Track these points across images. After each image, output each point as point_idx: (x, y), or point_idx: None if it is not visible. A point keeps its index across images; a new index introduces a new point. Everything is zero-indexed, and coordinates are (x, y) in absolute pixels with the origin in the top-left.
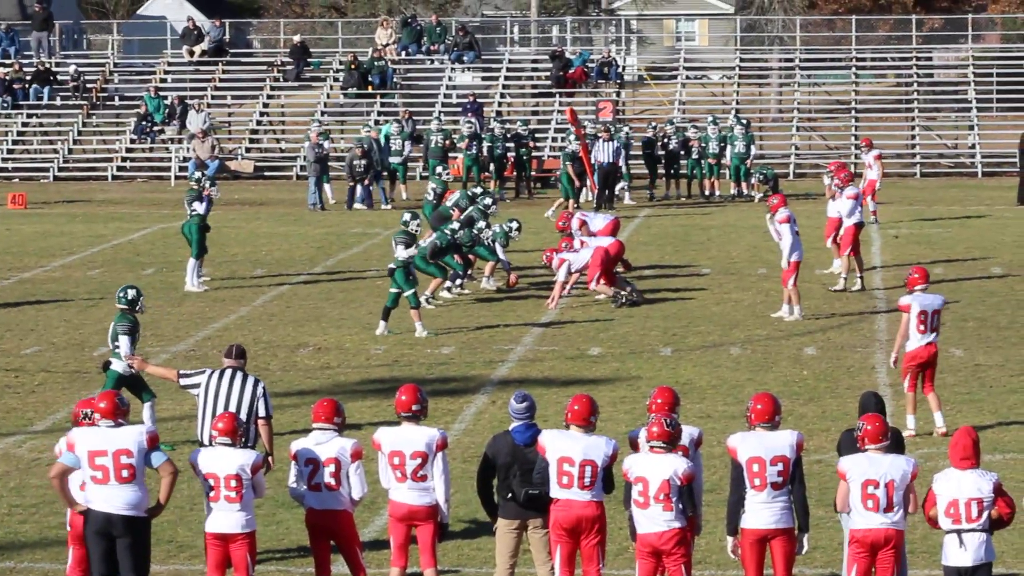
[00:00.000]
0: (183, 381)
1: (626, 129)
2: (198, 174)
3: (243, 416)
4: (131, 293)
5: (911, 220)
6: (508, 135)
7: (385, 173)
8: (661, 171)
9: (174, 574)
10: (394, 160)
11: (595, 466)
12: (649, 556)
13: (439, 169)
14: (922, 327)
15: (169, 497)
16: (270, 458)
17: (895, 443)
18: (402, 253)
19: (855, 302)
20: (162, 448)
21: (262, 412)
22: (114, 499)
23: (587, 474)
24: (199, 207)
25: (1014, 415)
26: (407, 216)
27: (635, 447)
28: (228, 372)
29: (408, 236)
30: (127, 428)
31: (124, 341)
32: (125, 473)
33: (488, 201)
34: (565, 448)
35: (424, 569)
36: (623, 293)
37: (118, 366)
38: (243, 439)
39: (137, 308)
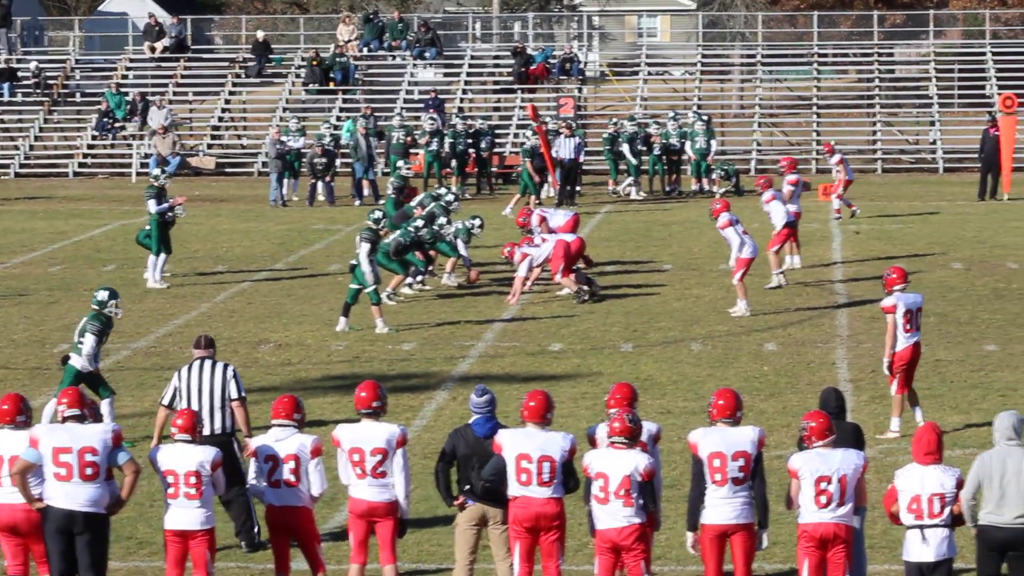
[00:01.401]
0: (165, 401)
1: (581, 132)
2: (157, 171)
3: (217, 401)
4: (102, 295)
5: (872, 216)
6: (470, 131)
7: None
8: (623, 167)
9: (134, 571)
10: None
11: (553, 462)
12: (609, 552)
13: (400, 164)
14: (908, 326)
15: (131, 494)
16: (247, 440)
17: (855, 438)
18: (364, 251)
19: (816, 298)
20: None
21: (234, 394)
22: (76, 496)
23: (545, 470)
24: (152, 205)
25: (975, 410)
26: (377, 214)
27: (593, 443)
28: (197, 363)
29: (373, 234)
30: (93, 426)
31: (89, 340)
32: (89, 471)
33: (450, 197)
34: (522, 445)
35: (383, 565)
36: (585, 289)
37: (76, 362)
38: (201, 435)
39: (107, 310)
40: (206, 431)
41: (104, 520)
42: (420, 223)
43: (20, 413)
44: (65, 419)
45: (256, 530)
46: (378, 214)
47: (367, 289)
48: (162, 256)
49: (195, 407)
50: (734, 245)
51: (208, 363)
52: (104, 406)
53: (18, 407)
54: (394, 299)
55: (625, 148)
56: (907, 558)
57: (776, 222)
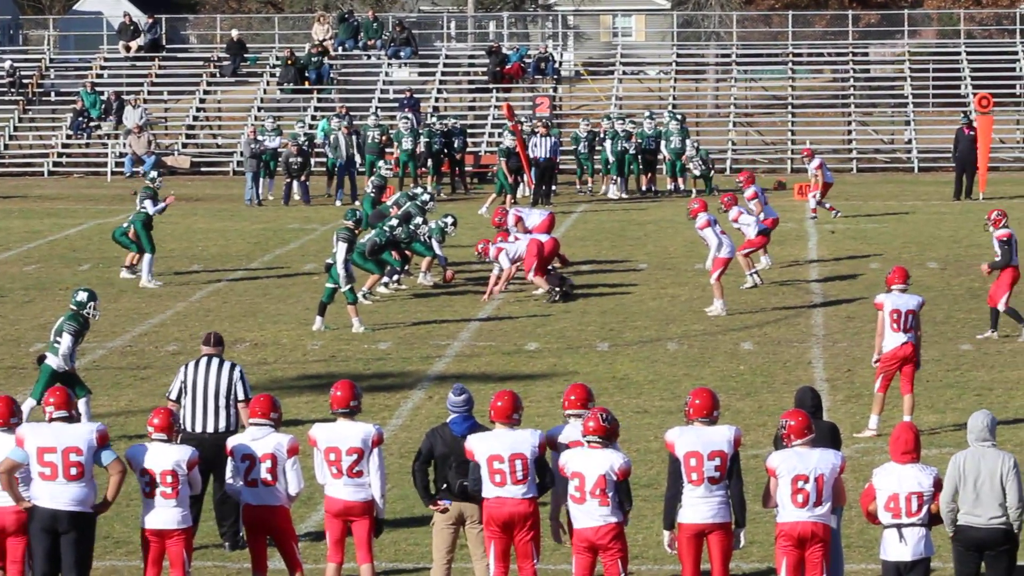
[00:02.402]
0: (172, 395)
1: (556, 131)
2: (154, 173)
3: (222, 400)
4: (81, 296)
5: (848, 216)
6: (444, 130)
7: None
8: (597, 167)
9: (111, 570)
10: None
11: (524, 459)
12: (586, 551)
13: (380, 163)
14: (895, 326)
15: (116, 495)
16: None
17: (831, 437)
18: (341, 251)
19: (792, 297)
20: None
21: (241, 395)
22: (61, 495)
23: (518, 468)
24: (149, 206)
25: (950, 409)
26: (357, 215)
27: (553, 446)
28: (204, 360)
29: (350, 233)
30: (78, 426)
31: (66, 340)
32: (74, 471)
33: (426, 197)
34: (492, 447)
35: (360, 565)
36: (557, 290)
37: (52, 361)
38: (178, 432)
39: (85, 311)
40: (208, 428)
41: (90, 519)
42: (395, 222)
43: (12, 415)
44: (52, 419)
45: (240, 532)
46: (357, 215)
47: (342, 289)
48: (149, 257)
49: (199, 404)
50: (712, 245)
51: (215, 361)
52: (80, 405)
53: (10, 409)
54: (370, 298)
55: (607, 145)
56: (884, 557)
57: (749, 233)
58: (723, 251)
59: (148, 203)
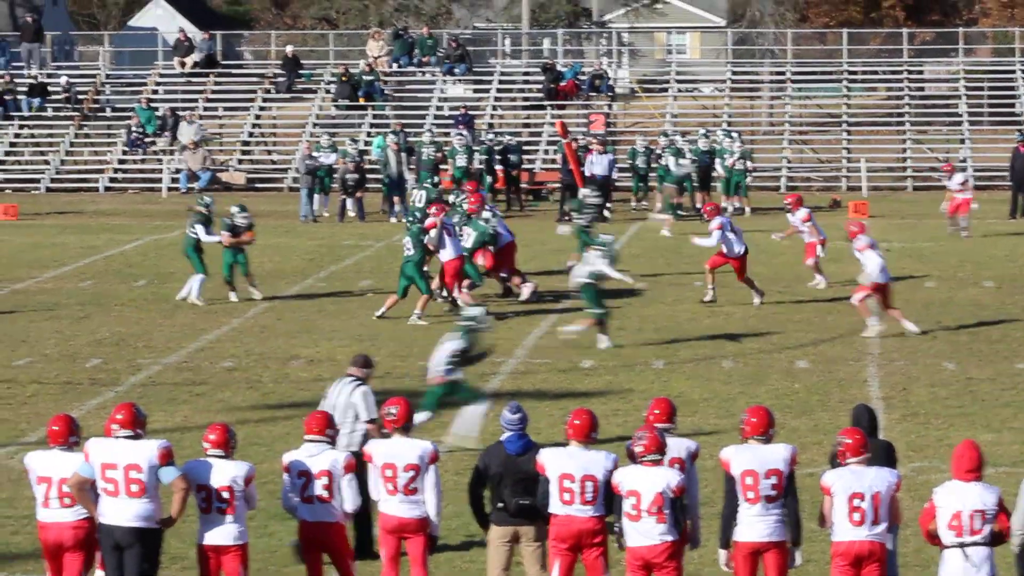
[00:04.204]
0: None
1: (611, 148)
2: (208, 198)
3: (347, 420)
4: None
5: (901, 233)
6: (499, 147)
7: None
8: (653, 183)
9: None
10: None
11: (596, 481)
12: (640, 569)
13: (432, 181)
14: None
15: (181, 512)
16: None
17: (887, 456)
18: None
19: (847, 315)
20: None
21: (363, 415)
22: (124, 511)
23: (588, 489)
24: (201, 231)
25: (1007, 428)
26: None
27: (633, 458)
28: (343, 381)
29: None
30: (141, 442)
31: (200, 230)
32: (135, 488)
33: (487, 215)
34: (565, 465)
35: None
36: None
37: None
38: (233, 447)
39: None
40: (341, 445)
41: (154, 534)
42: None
43: (72, 434)
44: (117, 437)
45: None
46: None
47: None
48: (202, 277)
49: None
50: (870, 267)
51: (348, 382)
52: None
53: (69, 428)
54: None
55: (671, 162)
56: None
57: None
58: (880, 276)
59: (200, 228)
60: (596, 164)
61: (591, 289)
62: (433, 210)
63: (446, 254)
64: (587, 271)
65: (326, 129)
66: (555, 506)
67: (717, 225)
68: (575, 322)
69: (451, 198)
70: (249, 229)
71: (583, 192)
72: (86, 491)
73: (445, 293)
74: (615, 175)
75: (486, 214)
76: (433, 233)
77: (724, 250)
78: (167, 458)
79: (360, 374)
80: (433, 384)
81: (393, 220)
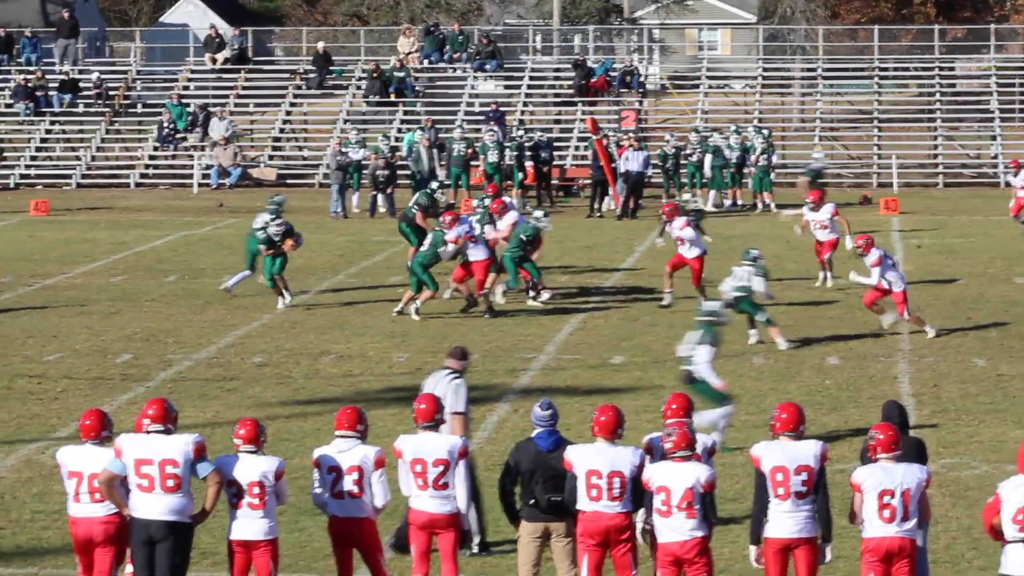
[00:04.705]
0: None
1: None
2: (280, 197)
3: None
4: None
5: (932, 230)
6: (529, 143)
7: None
8: (683, 180)
9: None
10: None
11: (623, 477)
12: (671, 565)
13: (433, 184)
14: None
15: (215, 505)
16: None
17: (917, 453)
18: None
19: (877, 311)
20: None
21: (448, 407)
22: (158, 506)
23: (615, 486)
24: (263, 250)
25: None
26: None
27: (650, 452)
28: (439, 373)
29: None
30: (175, 437)
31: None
32: (171, 483)
33: (539, 213)
34: (592, 461)
35: None
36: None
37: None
38: (263, 442)
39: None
40: None
41: (187, 529)
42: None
43: (104, 428)
44: (149, 432)
45: (478, 538)
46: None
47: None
48: (247, 273)
49: None
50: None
51: (444, 374)
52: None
53: (101, 423)
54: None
55: (707, 160)
56: (1007, 572)
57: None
58: (896, 286)
59: (262, 247)
60: (631, 160)
61: (746, 300)
62: (447, 219)
63: (476, 255)
64: (734, 286)
65: (356, 125)
66: (583, 502)
67: (876, 260)
68: (768, 332)
69: (474, 201)
70: (287, 237)
71: (685, 198)
72: (115, 487)
73: (458, 290)
74: (649, 171)
75: (537, 212)
76: (451, 248)
77: (682, 250)
78: (201, 452)
79: (457, 366)
80: (716, 387)
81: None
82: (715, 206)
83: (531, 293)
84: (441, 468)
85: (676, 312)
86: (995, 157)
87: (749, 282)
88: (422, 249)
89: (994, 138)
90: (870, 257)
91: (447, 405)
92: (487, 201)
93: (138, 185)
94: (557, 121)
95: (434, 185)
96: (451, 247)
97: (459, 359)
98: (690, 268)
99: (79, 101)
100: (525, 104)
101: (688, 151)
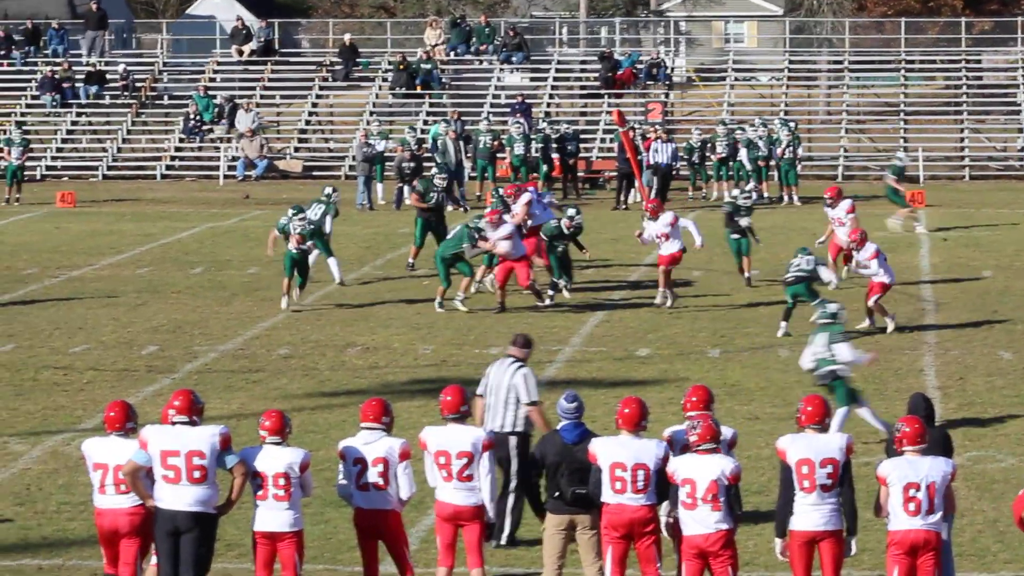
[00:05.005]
0: (479, 391)
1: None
2: (329, 189)
3: (503, 401)
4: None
5: (960, 224)
6: (555, 136)
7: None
8: (710, 173)
9: (222, 573)
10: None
11: (647, 470)
12: (695, 558)
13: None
14: None
15: (240, 496)
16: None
17: (943, 445)
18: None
19: (903, 305)
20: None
21: (523, 398)
22: (183, 497)
23: (640, 478)
24: (327, 222)
25: None
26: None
27: (671, 445)
28: (504, 362)
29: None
30: (201, 428)
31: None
32: (197, 474)
33: (571, 211)
34: (616, 454)
35: (471, 569)
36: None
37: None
38: (289, 434)
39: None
40: (495, 427)
41: (211, 520)
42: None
43: (129, 420)
44: (174, 423)
45: (508, 531)
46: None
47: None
48: (333, 260)
49: (490, 402)
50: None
51: (508, 363)
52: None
53: (126, 414)
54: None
55: (743, 153)
56: None
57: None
58: (884, 277)
59: (327, 219)
60: (660, 153)
61: (805, 284)
62: (494, 218)
63: (514, 252)
64: (799, 266)
65: (381, 117)
66: (607, 495)
67: (872, 254)
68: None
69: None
70: (301, 236)
71: (734, 193)
72: (139, 478)
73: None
74: (678, 164)
75: (571, 211)
76: (482, 247)
77: (663, 245)
78: (227, 443)
79: (520, 355)
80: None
81: (450, 208)
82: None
83: (551, 291)
84: (465, 460)
85: (701, 305)
86: (1021, 150)
87: (813, 267)
88: (446, 240)
89: (1021, 131)
90: (865, 251)
91: (521, 396)
92: (501, 191)
93: (164, 177)
94: (583, 113)
95: (434, 171)
96: (482, 246)
97: (522, 347)
98: (662, 260)
99: (106, 93)
100: (551, 96)
101: (719, 143)
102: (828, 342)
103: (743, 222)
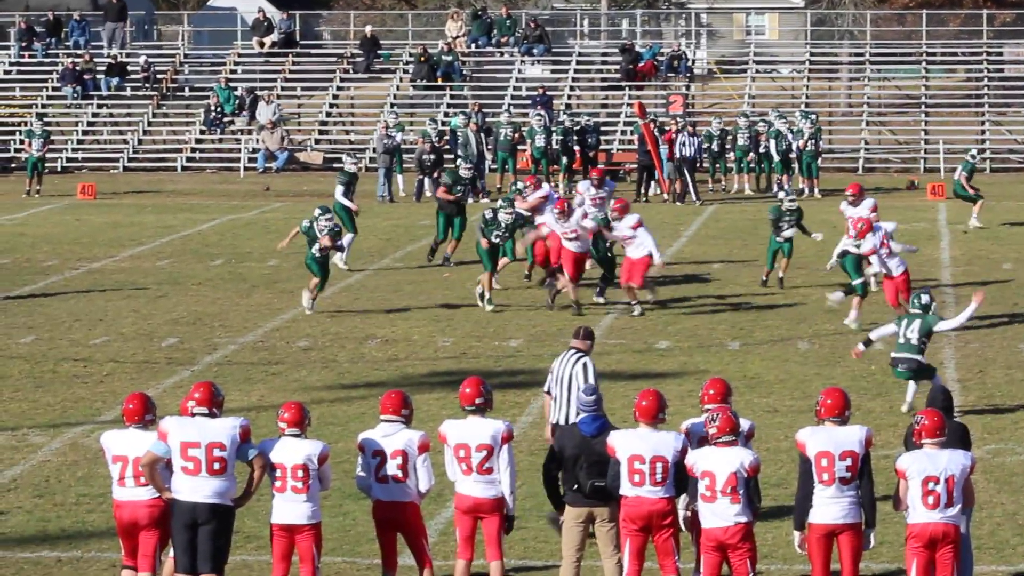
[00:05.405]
0: (545, 388)
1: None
2: (352, 168)
3: (565, 393)
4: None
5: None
6: (576, 128)
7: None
8: (731, 165)
9: (240, 565)
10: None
11: (665, 462)
12: (714, 551)
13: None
14: None
15: (258, 488)
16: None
17: (961, 438)
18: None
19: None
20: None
21: (580, 384)
22: (202, 488)
23: (658, 471)
24: (338, 191)
25: None
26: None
27: (689, 438)
28: (567, 354)
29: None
30: (221, 420)
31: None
32: (217, 466)
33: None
34: (634, 446)
35: (490, 562)
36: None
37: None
38: (308, 426)
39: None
40: (560, 418)
41: (229, 512)
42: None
43: (147, 412)
44: (194, 414)
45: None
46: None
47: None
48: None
49: (555, 395)
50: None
51: (571, 354)
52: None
53: (145, 406)
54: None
55: (771, 145)
56: None
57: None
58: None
59: (339, 188)
60: (687, 146)
61: (851, 257)
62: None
63: (573, 247)
64: (849, 242)
65: (401, 109)
66: (625, 487)
67: (870, 249)
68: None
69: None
70: (330, 235)
71: (780, 194)
72: (157, 470)
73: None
74: (702, 156)
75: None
76: (531, 236)
77: (628, 250)
78: (247, 435)
79: (583, 347)
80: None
81: (470, 201)
82: (752, 190)
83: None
84: (484, 453)
85: (722, 297)
86: None
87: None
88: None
89: None
90: (867, 243)
91: (579, 383)
92: (519, 185)
93: (185, 169)
94: (604, 106)
95: (459, 163)
96: (519, 206)
97: (584, 339)
98: (630, 265)
99: (126, 84)
100: (572, 88)
101: (740, 134)
102: (927, 327)
103: (787, 233)
